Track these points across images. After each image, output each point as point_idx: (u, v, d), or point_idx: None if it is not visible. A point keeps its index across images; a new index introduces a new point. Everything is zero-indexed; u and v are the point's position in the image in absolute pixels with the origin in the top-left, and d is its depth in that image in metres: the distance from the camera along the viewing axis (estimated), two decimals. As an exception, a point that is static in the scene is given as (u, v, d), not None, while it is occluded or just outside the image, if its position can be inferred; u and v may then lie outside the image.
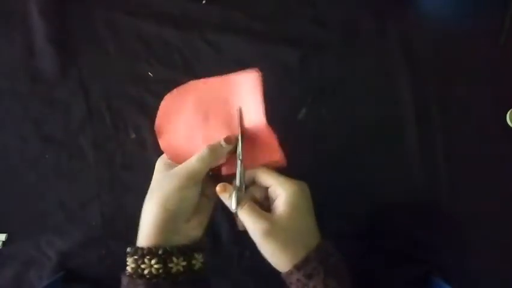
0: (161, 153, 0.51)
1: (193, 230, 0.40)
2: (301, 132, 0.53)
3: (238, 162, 0.40)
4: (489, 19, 0.54)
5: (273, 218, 0.37)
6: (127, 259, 0.38)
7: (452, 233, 0.50)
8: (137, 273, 0.36)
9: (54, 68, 0.54)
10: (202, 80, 0.45)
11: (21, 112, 0.53)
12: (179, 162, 0.40)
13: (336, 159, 0.52)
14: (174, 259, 0.37)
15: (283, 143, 0.53)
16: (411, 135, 0.52)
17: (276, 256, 0.37)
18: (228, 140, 0.41)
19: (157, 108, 0.53)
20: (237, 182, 0.39)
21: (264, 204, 0.40)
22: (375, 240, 0.50)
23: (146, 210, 0.39)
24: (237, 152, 0.41)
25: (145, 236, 0.38)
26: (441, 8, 0.56)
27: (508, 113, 0.52)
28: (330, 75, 0.54)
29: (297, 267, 0.36)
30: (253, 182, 0.42)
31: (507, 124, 0.52)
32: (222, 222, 0.50)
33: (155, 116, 0.53)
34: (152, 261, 0.36)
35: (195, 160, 0.39)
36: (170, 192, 0.38)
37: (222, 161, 0.42)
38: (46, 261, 0.50)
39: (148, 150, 0.52)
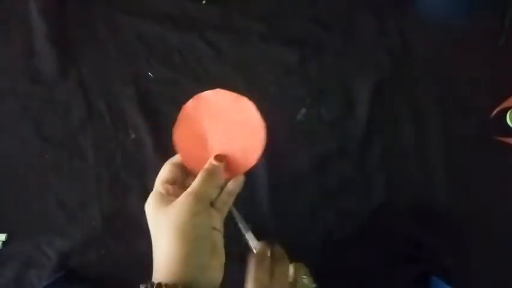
0: (161, 153, 0.51)
1: (215, 271, 0.36)
2: (300, 132, 0.53)
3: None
4: (489, 19, 0.54)
5: None
6: None
7: (452, 233, 0.50)
8: None
9: (54, 68, 0.54)
10: (218, 91, 0.42)
11: (21, 112, 0.53)
12: (192, 167, 0.40)
13: (335, 159, 0.52)
14: None
15: (283, 142, 0.53)
16: (410, 135, 0.52)
17: None
18: (218, 158, 0.40)
19: (157, 108, 0.53)
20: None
21: None
22: (376, 240, 0.50)
23: (160, 248, 0.35)
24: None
25: (164, 273, 0.33)
26: (441, 8, 0.56)
27: (508, 113, 0.52)
28: (330, 75, 0.54)
29: None
30: None
31: (507, 124, 0.52)
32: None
33: (155, 116, 0.53)
34: None
35: (196, 182, 0.37)
36: (183, 221, 0.34)
37: (222, 180, 0.40)
38: (46, 261, 0.50)
39: (148, 150, 0.52)
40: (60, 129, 0.53)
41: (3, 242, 0.51)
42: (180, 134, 0.42)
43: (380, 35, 0.55)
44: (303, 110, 0.53)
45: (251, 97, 0.41)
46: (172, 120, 0.53)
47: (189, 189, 0.37)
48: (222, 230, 0.39)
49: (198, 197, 0.36)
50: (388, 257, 0.49)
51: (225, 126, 0.41)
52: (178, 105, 0.53)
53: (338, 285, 0.50)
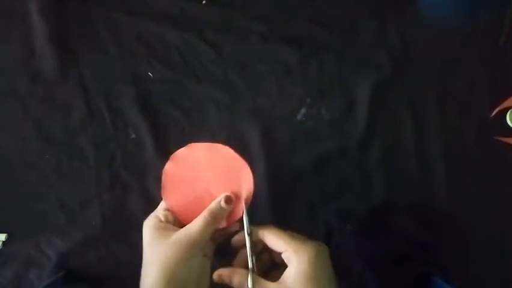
0: (161, 153, 0.51)
1: None
2: (300, 132, 0.53)
3: (247, 238, 0.38)
4: (489, 19, 0.54)
5: None
6: None
7: (452, 233, 0.50)
8: None
9: (54, 68, 0.54)
10: (202, 144, 0.43)
11: (21, 112, 0.53)
12: (188, 221, 0.39)
13: (335, 159, 0.52)
14: None
15: (283, 142, 0.53)
16: (410, 135, 0.52)
17: None
18: (228, 200, 0.40)
19: (157, 108, 0.53)
20: (249, 263, 0.37)
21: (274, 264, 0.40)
22: (375, 240, 0.50)
23: (146, 281, 0.36)
24: (245, 228, 0.38)
25: None
26: (441, 8, 0.56)
27: (508, 113, 0.52)
28: (330, 75, 0.54)
29: None
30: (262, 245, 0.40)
31: (507, 124, 0.52)
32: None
33: (155, 116, 0.53)
34: None
35: (197, 227, 0.37)
36: (175, 265, 0.35)
37: (223, 223, 0.40)
38: (46, 261, 0.50)
39: (148, 150, 0.52)
40: (60, 129, 0.53)
41: (3, 242, 0.51)
42: (169, 197, 0.41)
43: (380, 35, 0.55)
44: (303, 110, 0.53)
45: (227, 139, 0.40)
46: (172, 120, 0.53)
47: (188, 234, 0.37)
48: (212, 255, 0.40)
49: (195, 243, 0.37)
50: (388, 257, 0.49)
51: (211, 176, 0.41)
52: (178, 105, 0.54)
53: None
